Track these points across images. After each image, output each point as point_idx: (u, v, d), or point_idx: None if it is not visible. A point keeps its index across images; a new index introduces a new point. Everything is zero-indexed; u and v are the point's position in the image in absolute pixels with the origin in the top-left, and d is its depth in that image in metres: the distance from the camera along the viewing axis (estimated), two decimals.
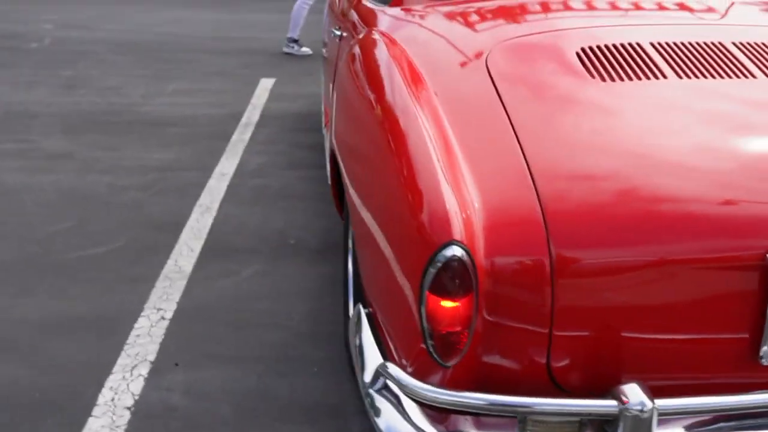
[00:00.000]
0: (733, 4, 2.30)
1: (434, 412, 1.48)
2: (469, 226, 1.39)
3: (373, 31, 2.29)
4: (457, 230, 1.38)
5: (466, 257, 1.36)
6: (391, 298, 1.57)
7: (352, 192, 1.92)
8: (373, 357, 1.63)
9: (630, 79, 1.75)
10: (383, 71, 1.93)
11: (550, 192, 1.45)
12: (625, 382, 1.38)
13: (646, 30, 1.98)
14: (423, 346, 1.43)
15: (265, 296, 2.80)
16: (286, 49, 7.24)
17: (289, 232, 3.35)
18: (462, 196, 1.44)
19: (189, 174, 4.03)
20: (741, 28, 2.05)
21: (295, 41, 7.20)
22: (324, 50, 4.11)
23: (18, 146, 4.45)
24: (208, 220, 3.44)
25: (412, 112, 1.69)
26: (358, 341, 1.74)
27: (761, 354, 1.44)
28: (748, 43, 1.89)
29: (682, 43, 1.87)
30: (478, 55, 1.88)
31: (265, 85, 5.96)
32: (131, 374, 2.31)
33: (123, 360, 2.39)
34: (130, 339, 2.50)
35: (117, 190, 3.81)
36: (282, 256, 3.12)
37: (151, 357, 2.41)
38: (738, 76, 1.76)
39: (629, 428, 1.35)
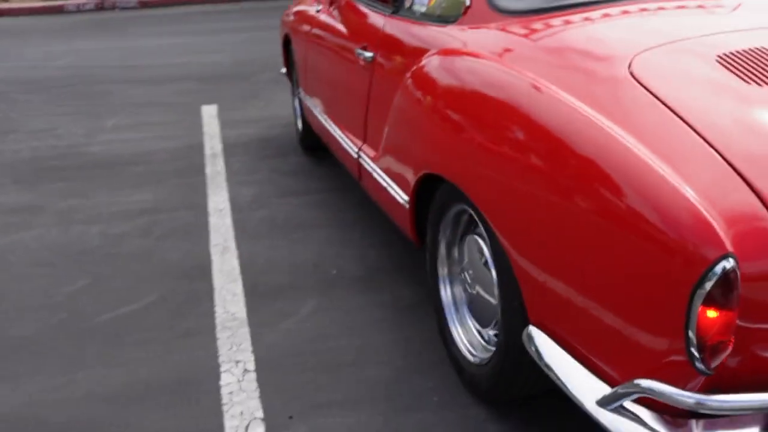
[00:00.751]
0: None
1: (671, 421, 1.47)
2: (728, 234, 1.39)
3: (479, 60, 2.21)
4: (728, 241, 1.37)
5: (737, 268, 1.36)
6: (620, 316, 1.54)
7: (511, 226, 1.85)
8: (580, 377, 1.63)
9: None
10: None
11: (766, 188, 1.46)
12: None
13: (759, 34, 2.02)
14: (682, 357, 1.41)
15: (339, 333, 2.68)
16: None
17: (323, 262, 3.23)
18: (707, 206, 1.43)
19: (182, 214, 3.82)
20: None
21: None
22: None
23: None
24: (233, 261, 3.27)
25: (597, 127, 1.66)
26: (548, 365, 1.71)
27: None
28: None
29: None
30: (620, 67, 1.87)
31: (210, 112, 5.76)
32: None
33: (231, 422, 2.22)
34: (225, 398, 2.34)
35: (114, 239, 3.56)
36: (330, 288, 3.01)
37: (259, 414, 2.26)
38: None
39: None
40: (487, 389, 2.16)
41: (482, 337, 2.30)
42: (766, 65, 1.83)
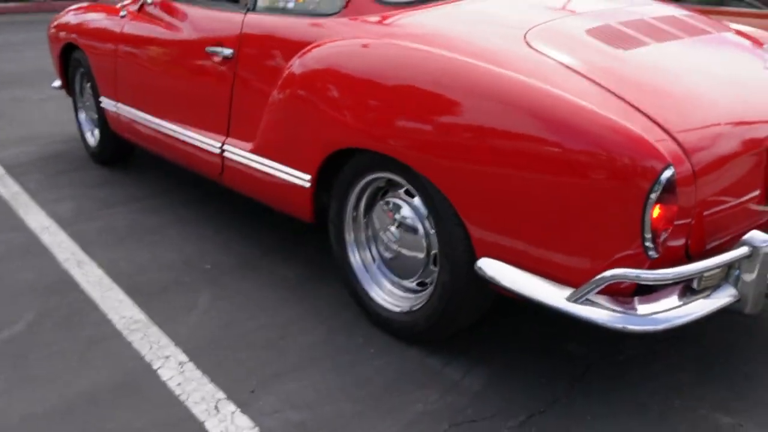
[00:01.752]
0: None
1: (622, 300, 2.00)
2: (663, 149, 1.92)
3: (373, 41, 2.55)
4: (666, 154, 1.89)
5: (675, 174, 1.90)
6: (563, 226, 2.01)
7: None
8: (533, 284, 2.10)
9: (632, 47, 2.38)
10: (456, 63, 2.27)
11: (671, 124, 2.03)
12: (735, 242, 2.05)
13: (612, 13, 2.63)
14: (639, 250, 1.92)
15: (250, 315, 2.83)
16: None
17: (192, 259, 3.31)
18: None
19: (7, 236, 3.60)
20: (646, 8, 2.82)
21: None
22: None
23: None
24: (95, 271, 3.21)
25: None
26: (511, 284, 2.13)
27: None
28: (660, 17, 2.68)
29: (635, 21, 2.58)
30: (517, 42, 2.33)
31: None
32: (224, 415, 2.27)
33: (198, 407, 2.31)
34: (176, 389, 2.40)
35: None
36: (215, 279, 3.12)
37: (220, 395, 2.36)
38: (675, 38, 2.53)
39: (758, 265, 2.01)
40: (424, 330, 2.51)
41: (402, 288, 2.64)
42: (619, 36, 2.42)
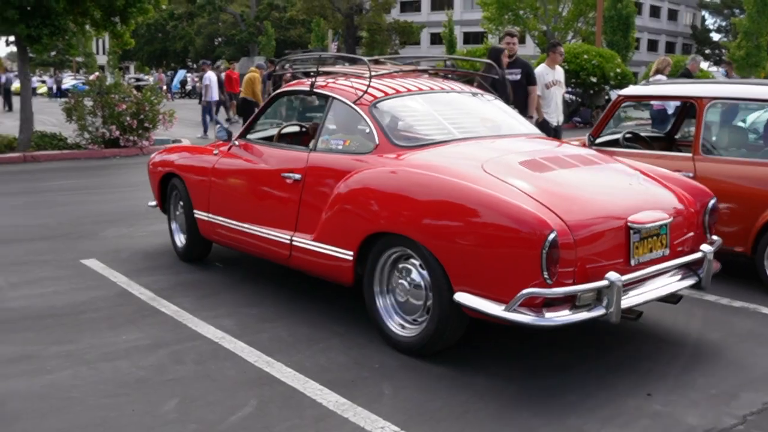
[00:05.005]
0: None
1: (533, 309, 3.56)
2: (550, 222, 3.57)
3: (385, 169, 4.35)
4: (553, 224, 3.55)
5: (557, 236, 3.51)
6: (504, 268, 3.66)
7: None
8: (485, 304, 3.69)
9: (546, 171, 4.15)
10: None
11: (562, 212, 3.69)
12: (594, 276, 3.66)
13: (538, 152, 4.49)
14: (541, 280, 3.51)
15: (432, 397, 3.58)
16: None
17: (360, 360, 4.06)
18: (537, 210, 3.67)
19: (191, 344, 4.32)
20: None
21: None
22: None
23: None
24: (286, 369, 3.94)
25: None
26: (474, 307, 3.72)
27: None
28: (569, 154, 4.54)
29: (552, 156, 4.41)
30: (477, 168, 4.08)
31: (94, 265, 6.05)
32: None
33: None
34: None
35: (157, 368, 3.99)
36: (388, 374, 3.87)
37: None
38: (574, 166, 4.32)
39: (615, 293, 3.57)
40: (419, 349, 4.05)
41: (407, 322, 4.19)
42: (539, 165, 4.17)
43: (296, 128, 6.01)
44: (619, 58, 23.34)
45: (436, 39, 62.57)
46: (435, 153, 4.36)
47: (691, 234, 4.25)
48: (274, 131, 5.78)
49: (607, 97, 22.36)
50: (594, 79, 20.94)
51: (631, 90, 6.90)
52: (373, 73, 4.86)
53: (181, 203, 6.03)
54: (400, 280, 4.14)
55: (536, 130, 5.21)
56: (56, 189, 10.36)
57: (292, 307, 4.95)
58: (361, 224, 4.23)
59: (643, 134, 6.97)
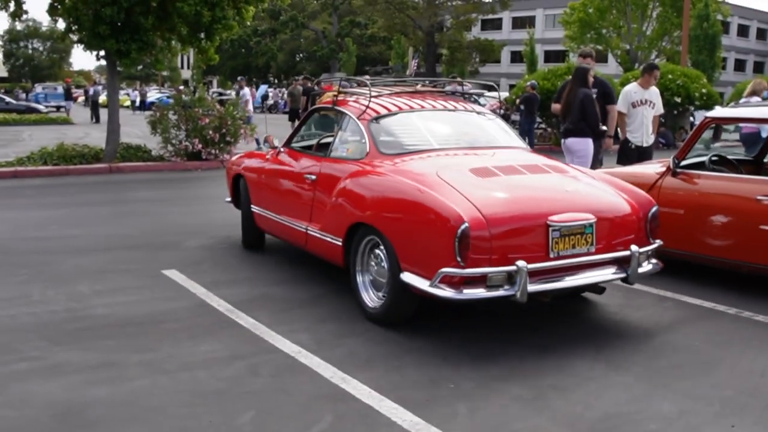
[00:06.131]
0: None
1: (450, 285, 4.34)
2: (465, 215, 4.30)
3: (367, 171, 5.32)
4: (466, 218, 4.28)
5: (469, 226, 4.25)
6: (431, 249, 4.44)
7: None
8: (417, 281, 4.49)
9: (490, 177, 4.89)
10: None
11: (478, 203, 4.43)
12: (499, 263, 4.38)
13: (490, 160, 5.29)
14: (455, 261, 4.26)
15: (506, 421, 3.50)
16: None
17: (435, 379, 4.02)
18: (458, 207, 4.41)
19: (267, 357, 4.36)
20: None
21: None
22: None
23: (41, 363, 4.26)
24: (361, 386, 3.93)
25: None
26: (410, 283, 4.54)
27: None
28: (522, 164, 5.23)
29: (502, 165, 5.09)
30: (432, 173, 4.90)
31: (175, 275, 6.18)
32: None
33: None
34: None
35: (234, 379, 4.03)
36: (463, 395, 3.81)
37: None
38: (519, 173, 5.04)
39: (522, 277, 4.27)
40: (382, 319, 4.90)
41: (377, 297, 5.01)
42: (486, 172, 4.87)
43: (330, 138, 6.66)
44: (704, 78, 22.70)
45: (516, 57, 62.30)
46: (407, 160, 5.25)
47: (632, 236, 4.84)
48: (314, 141, 6.80)
49: (692, 119, 21.78)
50: (678, 100, 20.42)
51: (719, 112, 6.68)
52: (374, 94, 5.93)
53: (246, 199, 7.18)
54: (371, 262, 5.01)
55: (519, 144, 5.92)
56: (140, 200, 10.69)
57: (368, 324, 4.95)
58: (347, 217, 5.16)
59: (730, 157, 6.73)
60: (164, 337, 4.72)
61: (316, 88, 16.99)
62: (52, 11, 14.45)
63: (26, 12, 14.43)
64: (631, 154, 8.85)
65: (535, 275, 4.42)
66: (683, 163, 6.28)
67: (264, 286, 5.94)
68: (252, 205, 6.89)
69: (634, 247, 4.74)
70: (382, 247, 4.83)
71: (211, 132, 14.56)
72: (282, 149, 6.65)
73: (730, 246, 5.80)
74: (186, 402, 3.77)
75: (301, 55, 74.51)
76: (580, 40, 41.06)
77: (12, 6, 14.07)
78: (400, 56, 55.07)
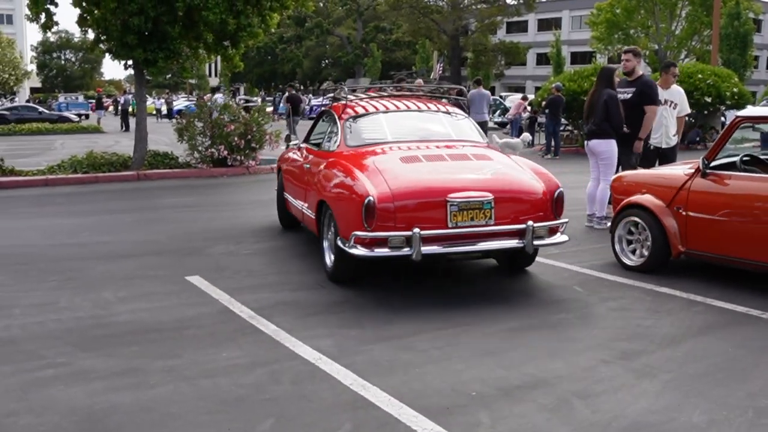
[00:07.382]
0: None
1: (362, 245, 5.48)
2: (374, 191, 5.48)
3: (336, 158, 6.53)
4: (373, 192, 5.46)
5: (375, 200, 5.41)
6: (349, 217, 5.60)
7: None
8: (342, 242, 5.70)
9: (414, 163, 5.93)
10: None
11: (391, 183, 5.56)
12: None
13: (423, 151, 6.27)
14: (364, 225, 5.42)
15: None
16: (597, 226, 8.37)
17: (457, 387, 3.95)
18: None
19: (289, 364, 4.33)
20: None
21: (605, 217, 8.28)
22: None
23: (65, 369, 4.27)
24: (381, 393, 3.89)
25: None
26: (339, 245, 5.74)
27: None
28: (451, 153, 6.26)
29: (431, 154, 6.18)
30: (372, 164, 6.01)
31: (198, 281, 6.19)
32: None
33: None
34: None
35: (254, 387, 4.01)
36: (486, 404, 3.75)
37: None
38: (442, 160, 6.06)
39: (416, 240, 5.33)
40: (337, 277, 6.07)
41: (331, 258, 6.10)
42: (413, 159, 5.98)
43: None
44: (736, 77, 22.34)
45: (542, 59, 61.92)
46: (362, 150, 6.35)
47: (539, 214, 5.68)
48: (320, 138, 7.65)
49: (723, 119, 21.45)
50: (708, 99, 20.11)
51: (750, 111, 6.54)
52: (350, 97, 7.25)
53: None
54: (330, 231, 6.06)
55: (473, 139, 6.75)
56: (167, 206, 10.75)
57: (390, 331, 4.90)
58: (317, 196, 6.37)
59: (762, 157, 6.58)
60: (187, 343, 4.71)
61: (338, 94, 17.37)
62: (82, 22, 14.62)
63: (57, 23, 14.61)
64: (649, 156, 8.69)
65: (434, 241, 5.41)
66: (714, 163, 6.15)
67: (286, 291, 5.93)
68: (285, 193, 8.23)
69: (530, 222, 5.53)
70: (334, 220, 5.87)
71: (236, 138, 14.62)
72: (301, 145, 7.88)
73: (764, 249, 5.66)
74: (207, 409, 3.75)
75: (326, 61, 74.75)
76: (607, 41, 40.73)
77: (43, 17, 14.25)
78: (425, 60, 54.99)
